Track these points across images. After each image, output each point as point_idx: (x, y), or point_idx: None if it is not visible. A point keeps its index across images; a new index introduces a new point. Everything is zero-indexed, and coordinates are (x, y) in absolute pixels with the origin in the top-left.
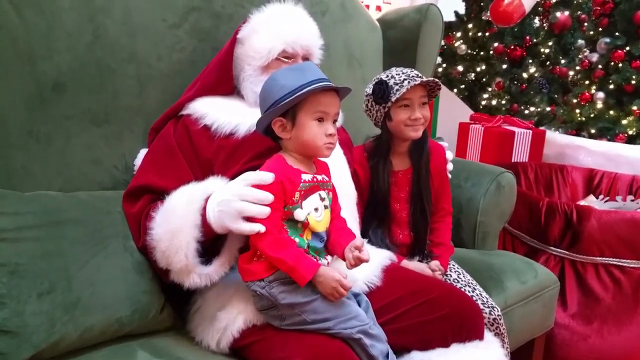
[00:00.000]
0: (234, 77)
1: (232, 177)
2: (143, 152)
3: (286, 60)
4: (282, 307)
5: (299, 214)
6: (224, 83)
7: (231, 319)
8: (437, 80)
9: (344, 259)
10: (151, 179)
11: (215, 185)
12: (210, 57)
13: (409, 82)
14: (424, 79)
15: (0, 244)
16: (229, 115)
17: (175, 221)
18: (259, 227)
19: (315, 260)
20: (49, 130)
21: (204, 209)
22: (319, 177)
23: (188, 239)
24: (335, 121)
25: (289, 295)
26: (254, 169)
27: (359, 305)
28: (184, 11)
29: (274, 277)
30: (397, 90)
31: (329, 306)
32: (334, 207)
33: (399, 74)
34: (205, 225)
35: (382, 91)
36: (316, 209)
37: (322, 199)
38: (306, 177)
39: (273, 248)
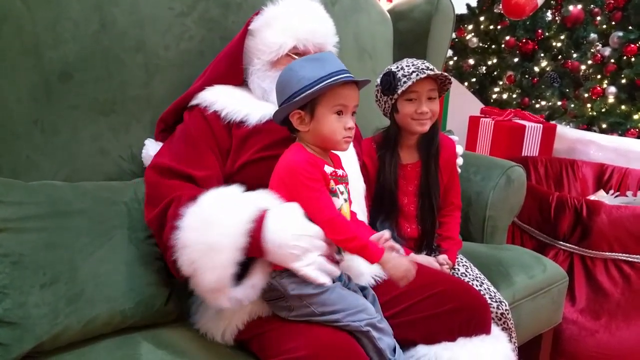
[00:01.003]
0: (243, 69)
1: (241, 166)
2: (149, 142)
3: (296, 56)
4: (291, 298)
5: (336, 203)
6: (234, 74)
7: (236, 311)
8: (446, 74)
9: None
10: (175, 164)
11: (266, 203)
12: (218, 47)
13: (417, 74)
14: (434, 72)
15: (4, 234)
16: (239, 103)
17: (215, 237)
18: (329, 282)
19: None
20: (54, 120)
21: (253, 230)
22: (339, 172)
23: (228, 261)
24: (354, 113)
25: (299, 286)
26: (263, 159)
27: (366, 299)
28: (193, 0)
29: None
30: (404, 82)
31: (338, 298)
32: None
33: (408, 66)
34: (249, 248)
35: (389, 83)
36: (345, 200)
37: (342, 193)
38: (328, 169)
39: (344, 228)
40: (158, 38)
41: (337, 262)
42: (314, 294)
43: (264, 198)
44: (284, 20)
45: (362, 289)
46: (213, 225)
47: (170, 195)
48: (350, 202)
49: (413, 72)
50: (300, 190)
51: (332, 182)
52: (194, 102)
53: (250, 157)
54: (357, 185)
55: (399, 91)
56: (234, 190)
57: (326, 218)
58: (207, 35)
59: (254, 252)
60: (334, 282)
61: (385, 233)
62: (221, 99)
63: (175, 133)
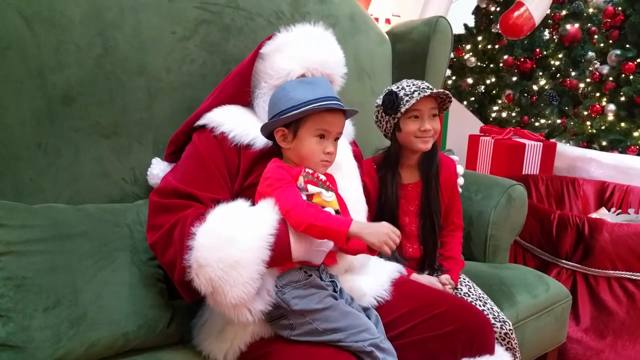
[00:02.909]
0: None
1: (247, 186)
2: (155, 161)
3: None
4: (294, 315)
5: (309, 190)
6: (241, 95)
7: (238, 332)
8: (447, 92)
9: (368, 252)
10: (181, 186)
11: (275, 212)
12: (220, 70)
13: (419, 93)
14: (435, 90)
15: (8, 257)
16: (246, 126)
17: (236, 253)
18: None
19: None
20: (57, 143)
21: (277, 241)
22: (322, 177)
23: (254, 275)
24: (337, 139)
25: (302, 301)
26: None
27: (369, 319)
28: (194, 24)
29: (286, 280)
30: (407, 101)
31: (341, 316)
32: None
33: (409, 86)
34: (274, 259)
35: (391, 102)
36: (327, 190)
37: (327, 192)
38: (299, 182)
39: (303, 219)
40: (160, 61)
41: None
42: (317, 310)
43: (270, 208)
44: (295, 47)
45: (365, 310)
46: (231, 242)
47: (175, 217)
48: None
49: (415, 90)
50: (267, 191)
51: (300, 179)
52: (201, 122)
53: (256, 179)
54: (358, 207)
55: (403, 109)
56: (241, 205)
57: (284, 210)
58: (208, 58)
59: (278, 261)
60: (336, 299)
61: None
62: (229, 121)
63: (184, 155)
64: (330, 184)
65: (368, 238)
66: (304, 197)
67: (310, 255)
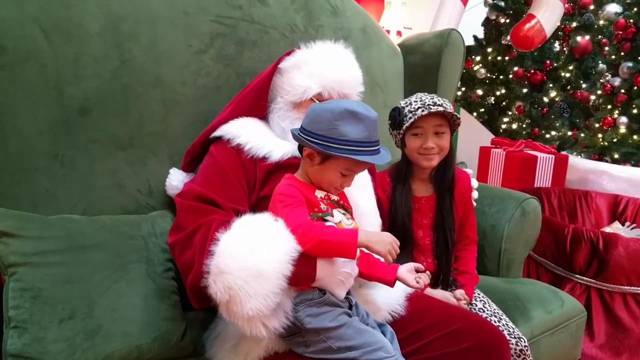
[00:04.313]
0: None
1: (262, 198)
2: (173, 172)
3: (319, 102)
4: (308, 333)
5: (333, 219)
6: (258, 108)
7: (253, 346)
8: (452, 112)
9: (391, 283)
10: (206, 192)
11: None
12: (234, 82)
13: (422, 110)
14: (441, 108)
15: (24, 268)
16: (262, 139)
17: (260, 264)
18: None
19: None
20: (73, 154)
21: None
22: (334, 197)
23: (275, 289)
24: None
25: (316, 319)
26: None
27: (384, 336)
28: (210, 37)
29: (300, 298)
30: (409, 118)
31: (355, 333)
32: None
33: (416, 102)
34: (298, 276)
35: (394, 118)
36: (347, 219)
37: (344, 214)
38: (320, 193)
39: (310, 236)
40: (176, 74)
41: None
42: (331, 328)
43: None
44: (314, 65)
45: (380, 326)
46: (255, 252)
47: (199, 221)
48: None
49: (419, 107)
50: (277, 207)
51: (322, 204)
52: (217, 133)
53: (270, 191)
54: (372, 221)
55: (404, 127)
56: (267, 217)
57: (292, 228)
58: (223, 71)
59: (300, 281)
60: (350, 316)
61: (417, 266)
62: (245, 134)
63: (204, 164)
64: (342, 199)
65: (375, 247)
66: (338, 218)
67: (333, 281)
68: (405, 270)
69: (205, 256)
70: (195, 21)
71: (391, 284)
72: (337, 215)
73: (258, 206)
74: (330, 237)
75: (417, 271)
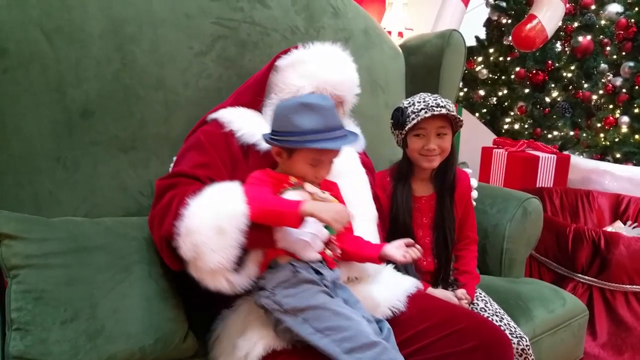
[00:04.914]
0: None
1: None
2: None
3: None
4: (288, 315)
5: (304, 190)
6: (256, 102)
7: (251, 346)
8: (455, 114)
9: (376, 261)
10: (182, 168)
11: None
12: (235, 84)
13: (425, 112)
14: (444, 110)
15: (27, 270)
16: (254, 127)
17: (221, 221)
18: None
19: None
20: (76, 156)
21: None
22: (309, 187)
23: (231, 243)
24: (331, 162)
25: (294, 298)
26: None
27: (381, 331)
28: (211, 39)
29: (275, 282)
30: (412, 119)
31: (333, 315)
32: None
33: (419, 102)
34: (257, 236)
35: (397, 118)
36: (323, 192)
37: (322, 193)
38: (293, 180)
39: (254, 205)
40: (178, 76)
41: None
42: (309, 307)
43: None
44: (309, 65)
45: (378, 322)
46: (219, 212)
47: (175, 190)
48: (352, 228)
49: (422, 109)
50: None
51: (292, 179)
52: (212, 115)
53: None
54: (365, 212)
55: (406, 128)
56: (236, 185)
57: (247, 201)
58: (224, 73)
59: (262, 241)
60: (332, 297)
61: (407, 240)
62: (238, 120)
63: (185, 146)
64: (327, 189)
65: (321, 215)
66: (299, 194)
67: (295, 242)
68: (393, 246)
69: (177, 219)
70: (196, 23)
71: (376, 260)
72: (310, 187)
73: None
74: (273, 206)
75: (408, 246)
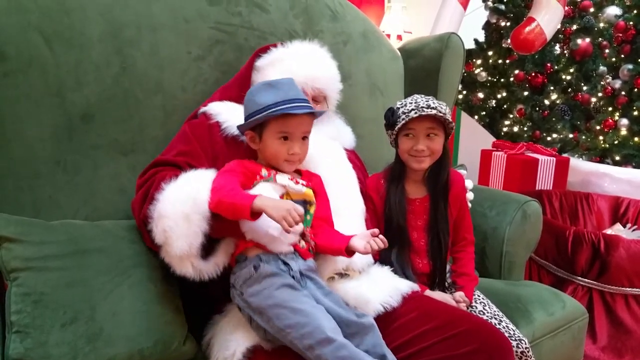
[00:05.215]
0: None
1: None
2: None
3: None
4: (256, 314)
5: (278, 180)
6: (241, 98)
7: (239, 343)
8: (443, 115)
9: (343, 253)
10: (164, 157)
11: None
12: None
13: (415, 112)
14: (433, 112)
15: (27, 273)
16: (239, 119)
17: (188, 208)
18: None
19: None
20: (76, 160)
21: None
22: (280, 178)
23: (195, 230)
24: (305, 138)
25: (257, 297)
26: None
27: (361, 324)
28: (209, 44)
29: (240, 279)
30: (402, 119)
31: (290, 313)
32: (323, 215)
33: (411, 103)
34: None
35: (387, 118)
36: (295, 183)
37: (293, 180)
38: (264, 172)
39: (214, 196)
40: (176, 80)
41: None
42: (270, 306)
43: None
44: (287, 63)
45: (362, 316)
46: (187, 198)
47: (151, 180)
48: (330, 218)
49: (412, 109)
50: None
51: (264, 171)
52: (203, 109)
53: None
54: (350, 205)
55: (396, 128)
56: (209, 173)
57: (210, 188)
58: (221, 77)
59: (229, 230)
60: (294, 288)
61: (374, 230)
62: (225, 112)
63: (175, 137)
64: (307, 179)
65: (269, 211)
66: (277, 190)
67: (263, 235)
68: (359, 238)
69: (151, 203)
70: (195, 28)
71: (343, 253)
72: (282, 180)
73: None
74: (228, 198)
75: (373, 237)
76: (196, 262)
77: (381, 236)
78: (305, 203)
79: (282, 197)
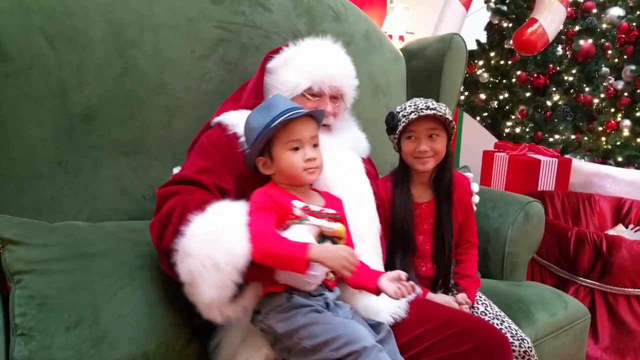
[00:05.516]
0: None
1: (251, 188)
2: (176, 170)
3: (311, 97)
4: (283, 338)
5: (309, 222)
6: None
7: (251, 355)
8: (442, 114)
9: (374, 292)
10: (188, 173)
11: None
12: (237, 87)
13: (414, 114)
14: (432, 112)
15: (30, 276)
16: None
17: (219, 254)
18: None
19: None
20: (78, 160)
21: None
22: (315, 208)
23: (227, 282)
24: (315, 145)
25: (286, 323)
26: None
27: (377, 333)
28: (213, 43)
29: (269, 306)
30: (403, 122)
31: (323, 330)
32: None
33: (410, 106)
34: (254, 271)
35: (388, 123)
36: (328, 222)
37: (328, 222)
38: (297, 203)
39: (260, 248)
40: (179, 80)
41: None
42: (300, 327)
43: None
44: (301, 61)
45: (377, 325)
46: (219, 242)
47: (176, 199)
48: (349, 240)
49: (412, 112)
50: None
51: (296, 209)
52: (217, 119)
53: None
54: (371, 227)
55: (397, 131)
56: (240, 209)
57: (250, 235)
58: (227, 76)
59: (261, 276)
60: (319, 312)
61: (401, 274)
62: (242, 123)
63: (190, 152)
64: (332, 206)
65: (328, 262)
66: (311, 231)
67: (298, 282)
68: (387, 279)
69: (177, 235)
70: (198, 27)
71: (374, 292)
72: (317, 221)
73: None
74: (279, 251)
75: (401, 280)
76: (224, 308)
77: (411, 282)
78: (335, 238)
79: (319, 234)
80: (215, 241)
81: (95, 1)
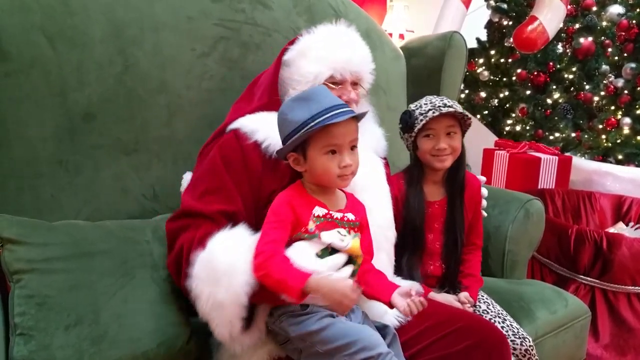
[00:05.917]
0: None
1: (270, 194)
2: (187, 176)
3: (333, 85)
4: (296, 340)
5: (323, 238)
6: (273, 104)
7: (255, 350)
8: (463, 111)
9: (387, 304)
10: (197, 205)
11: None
12: (238, 85)
13: (433, 112)
14: (451, 109)
15: (30, 275)
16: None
17: (221, 294)
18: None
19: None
20: (78, 159)
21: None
22: (337, 215)
23: (232, 319)
24: (353, 147)
25: (299, 326)
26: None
27: (384, 338)
28: (213, 41)
29: (281, 310)
30: (420, 120)
31: (338, 335)
32: (366, 249)
33: (426, 104)
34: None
35: (405, 121)
36: (341, 240)
37: (343, 236)
38: (319, 210)
39: (262, 267)
40: (180, 78)
41: None
42: (314, 332)
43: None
44: (319, 49)
45: (383, 328)
46: (220, 281)
47: (184, 237)
48: (372, 256)
49: (430, 109)
50: (265, 221)
51: (311, 224)
52: (233, 126)
53: (278, 185)
54: (388, 234)
55: (416, 129)
56: (241, 235)
57: (255, 253)
58: (227, 74)
59: (271, 300)
60: (333, 317)
61: (412, 289)
62: (263, 129)
63: (203, 164)
64: (354, 211)
65: (323, 298)
66: (316, 247)
67: (313, 301)
68: (399, 294)
69: (186, 277)
70: (198, 25)
71: (387, 305)
72: (328, 237)
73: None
74: (278, 275)
75: (412, 295)
76: (239, 339)
77: (422, 299)
78: (350, 257)
79: (327, 248)
80: (216, 281)
81: (96, 0)
